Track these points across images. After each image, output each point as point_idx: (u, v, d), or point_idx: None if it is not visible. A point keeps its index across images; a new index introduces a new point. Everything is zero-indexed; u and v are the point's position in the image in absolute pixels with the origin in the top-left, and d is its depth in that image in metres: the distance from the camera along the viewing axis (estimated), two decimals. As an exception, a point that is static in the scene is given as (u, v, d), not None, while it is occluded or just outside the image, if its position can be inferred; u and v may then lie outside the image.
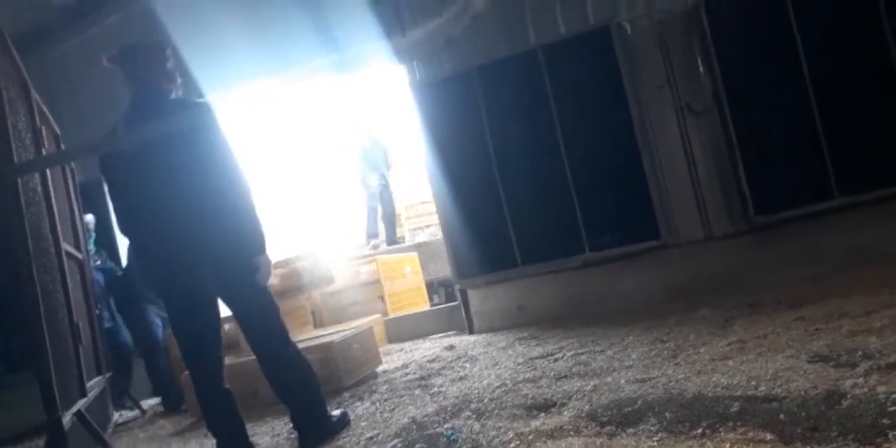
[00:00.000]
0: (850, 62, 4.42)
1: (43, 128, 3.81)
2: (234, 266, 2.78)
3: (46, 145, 3.82)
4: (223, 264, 2.77)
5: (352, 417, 3.09)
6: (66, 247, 3.74)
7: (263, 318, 2.86)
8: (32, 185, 3.13)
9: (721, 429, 2.00)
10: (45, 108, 4.00)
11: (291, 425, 2.94)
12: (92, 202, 5.43)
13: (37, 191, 3.24)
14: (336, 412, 3.04)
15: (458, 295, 5.43)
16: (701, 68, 4.74)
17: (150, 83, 2.85)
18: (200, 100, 2.85)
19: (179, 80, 2.99)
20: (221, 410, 2.82)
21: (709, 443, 1.92)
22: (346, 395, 3.71)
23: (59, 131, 4.51)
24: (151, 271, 2.86)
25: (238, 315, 2.90)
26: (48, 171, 3.52)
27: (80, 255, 4.35)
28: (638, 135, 4.82)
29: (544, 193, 5.06)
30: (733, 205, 4.70)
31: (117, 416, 4.90)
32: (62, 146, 4.59)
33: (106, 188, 2.94)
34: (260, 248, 2.82)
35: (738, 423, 2.00)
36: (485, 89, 5.16)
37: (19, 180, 2.65)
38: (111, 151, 2.83)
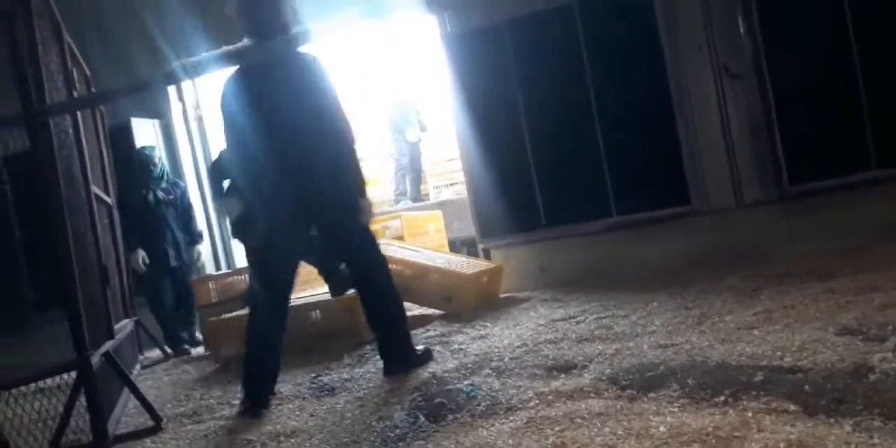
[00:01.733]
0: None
1: (74, 69, 3.80)
2: (344, 208, 2.99)
3: (78, 87, 3.82)
4: (335, 207, 2.97)
5: (373, 371, 3.13)
6: (96, 190, 3.77)
7: (370, 258, 3.07)
8: (64, 127, 3.14)
9: (744, 397, 1.99)
10: (76, 50, 3.98)
11: (378, 355, 3.15)
12: (119, 147, 5.44)
13: (68, 133, 3.25)
14: (420, 347, 3.19)
15: (481, 254, 5.42)
16: (742, 29, 4.58)
17: (266, 35, 2.89)
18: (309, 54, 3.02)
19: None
20: (269, 348, 2.96)
21: (731, 411, 1.91)
22: (367, 348, 3.75)
23: (89, 73, 4.51)
24: (261, 213, 3.03)
25: (348, 255, 3.15)
26: (79, 114, 3.53)
27: (108, 200, 4.39)
28: (673, 96, 4.71)
29: (573, 154, 4.98)
30: (766, 172, 4.60)
31: (142, 359, 5.03)
32: (93, 89, 4.59)
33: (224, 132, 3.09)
34: (364, 191, 3.06)
35: (762, 393, 1.98)
36: (516, 44, 5.04)
37: (51, 121, 2.66)
38: (231, 93, 2.99)
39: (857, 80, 4.34)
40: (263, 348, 2.95)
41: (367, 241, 3.08)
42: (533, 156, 5.09)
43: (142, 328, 5.10)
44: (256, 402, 2.84)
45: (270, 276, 3.02)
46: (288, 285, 3.05)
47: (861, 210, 4.29)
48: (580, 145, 4.96)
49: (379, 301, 3.07)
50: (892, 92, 4.29)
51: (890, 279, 3.09)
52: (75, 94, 3.64)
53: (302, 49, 2.95)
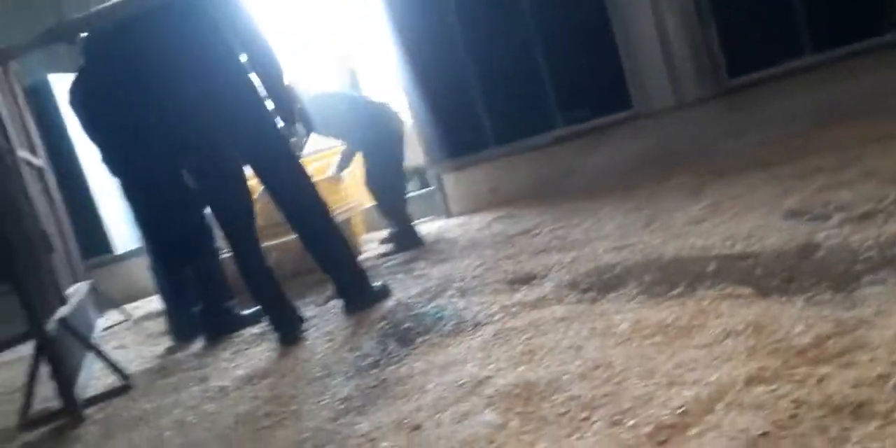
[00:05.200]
0: None
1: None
2: (267, 139, 2.80)
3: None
4: (257, 138, 2.78)
5: (339, 306, 3.12)
6: (23, 154, 3.59)
7: (302, 195, 2.86)
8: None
9: (699, 287, 2.05)
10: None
11: (336, 293, 3.02)
12: (41, 108, 5.14)
13: (-24, 96, 3.04)
14: (377, 283, 3.04)
15: (435, 180, 5.39)
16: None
17: None
18: None
19: None
20: (268, 287, 2.91)
21: (688, 301, 1.97)
22: (330, 285, 3.73)
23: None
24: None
25: (277, 192, 2.90)
26: (-15, 75, 3.30)
27: (37, 163, 4.18)
28: (606, -2, 4.62)
29: (514, 68, 4.90)
30: (704, 69, 4.59)
31: (103, 321, 4.94)
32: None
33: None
34: (292, 118, 2.86)
35: (716, 281, 2.04)
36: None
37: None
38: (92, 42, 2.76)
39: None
40: (258, 282, 2.90)
41: (296, 175, 2.86)
42: (473, 73, 4.99)
43: (96, 291, 4.98)
44: (286, 330, 2.84)
45: (229, 217, 2.89)
46: (249, 224, 2.93)
47: (799, 97, 4.33)
48: (520, 58, 4.88)
49: (321, 243, 2.90)
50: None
51: (830, 161, 3.17)
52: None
53: None
